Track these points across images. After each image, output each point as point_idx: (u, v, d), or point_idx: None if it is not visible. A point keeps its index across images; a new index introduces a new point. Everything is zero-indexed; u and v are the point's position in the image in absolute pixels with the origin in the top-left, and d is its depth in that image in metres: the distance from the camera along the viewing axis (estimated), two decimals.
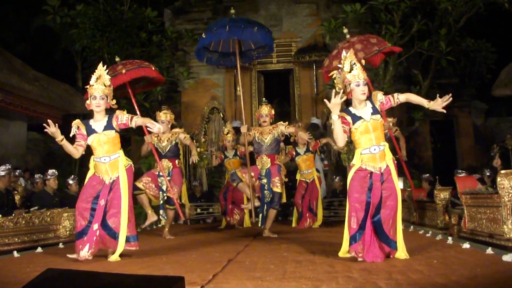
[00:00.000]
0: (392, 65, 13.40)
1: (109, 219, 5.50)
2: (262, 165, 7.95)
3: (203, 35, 7.94)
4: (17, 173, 10.69)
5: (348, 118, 5.16)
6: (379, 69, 12.97)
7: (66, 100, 14.46)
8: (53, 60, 18.62)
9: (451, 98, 4.96)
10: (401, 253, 5.00)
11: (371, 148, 5.16)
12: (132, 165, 5.90)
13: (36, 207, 8.21)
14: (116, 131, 5.74)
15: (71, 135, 5.71)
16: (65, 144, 5.54)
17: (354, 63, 5.21)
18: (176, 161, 8.47)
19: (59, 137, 5.51)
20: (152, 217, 8.29)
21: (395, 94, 5.30)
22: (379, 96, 5.28)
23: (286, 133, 8.04)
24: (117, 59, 8.18)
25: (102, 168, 5.67)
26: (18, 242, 7.20)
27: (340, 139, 5.15)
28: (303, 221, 9.73)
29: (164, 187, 8.31)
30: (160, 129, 5.74)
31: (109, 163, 5.67)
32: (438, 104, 5.01)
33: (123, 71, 7.61)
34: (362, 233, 4.92)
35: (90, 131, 5.69)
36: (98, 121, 5.72)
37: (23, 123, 14.36)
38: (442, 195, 8.25)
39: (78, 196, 5.74)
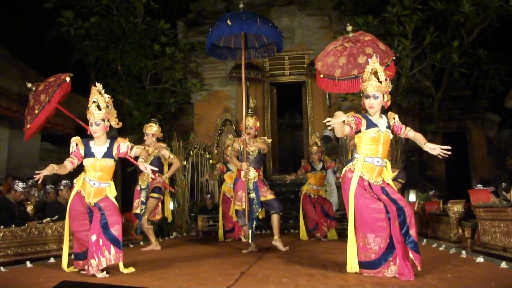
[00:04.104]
0: (405, 78, 13.39)
1: (112, 227, 5.36)
2: (249, 179, 7.74)
3: (210, 31, 7.80)
4: (29, 183, 10.76)
5: (363, 121, 5.05)
6: (392, 82, 12.94)
7: (80, 111, 14.52)
8: (67, 71, 18.67)
9: (449, 152, 5.02)
10: None
11: (374, 159, 5.06)
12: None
13: (48, 219, 8.24)
14: (114, 160, 5.66)
15: (70, 151, 5.61)
16: (57, 171, 5.39)
17: (375, 72, 5.12)
18: (156, 175, 8.26)
19: (52, 170, 5.33)
20: (156, 246, 8.29)
21: (407, 128, 5.28)
22: (396, 117, 5.27)
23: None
24: (29, 85, 7.53)
25: (87, 189, 5.57)
26: (31, 252, 7.25)
27: (339, 134, 4.99)
28: (320, 228, 9.59)
29: (145, 200, 8.33)
30: (149, 172, 5.70)
31: (96, 188, 5.57)
32: (433, 148, 5.08)
33: (47, 99, 7.05)
34: (393, 252, 4.71)
35: (89, 153, 5.57)
36: (99, 146, 5.60)
37: (37, 133, 14.45)
38: (456, 208, 8.20)
39: (70, 220, 5.63)
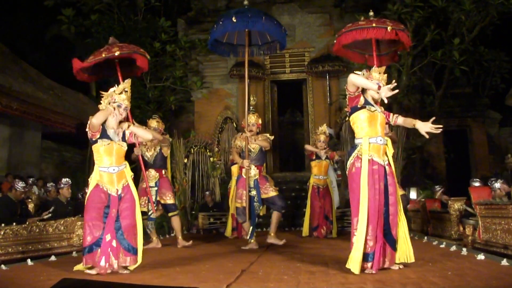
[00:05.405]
0: (406, 75, 13.37)
1: (124, 228, 5.34)
2: (250, 176, 7.75)
3: (214, 27, 7.80)
4: (30, 182, 10.76)
5: (362, 98, 5.14)
6: (392, 79, 12.94)
7: (80, 109, 14.57)
8: (68, 69, 18.67)
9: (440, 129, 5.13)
10: (404, 256, 5.04)
11: (377, 138, 5.10)
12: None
13: (48, 212, 8.23)
14: (127, 143, 5.64)
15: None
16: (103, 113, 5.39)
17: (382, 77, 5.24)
18: (163, 171, 8.35)
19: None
20: (156, 244, 8.27)
21: (395, 115, 5.41)
22: (382, 108, 5.35)
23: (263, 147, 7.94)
24: (110, 40, 7.47)
25: (108, 178, 5.46)
26: (32, 250, 7.25)
27: (357, 84, 5.10)
28: (319, 230, 9.61)
29: (152, 198, 8.20)
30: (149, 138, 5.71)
31: (117, 173, 5.49)
32: (424, 125, 5.16)
33: (117, 52, 6.87)
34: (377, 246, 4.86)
35: (105, 135, 5.45)
36: (113, 129, 5.52)
37: (37, 131, 14.48)
38: (456, 205, 8.20)
39: (85, 209, 5.45)
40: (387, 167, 5.09)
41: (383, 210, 4.92)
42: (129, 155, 6.38)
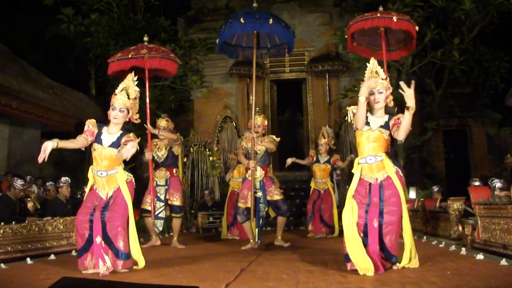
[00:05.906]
0: (405, 75, 13.37)
1: (110, 232, 5.23)
2: (255, 178, 7.74)
3: (223, 29, 7.79)
4: (28, 179, 10.74)
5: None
6: (392, 79, 12.94)
7: (80, 108, 14.58)
8: (67, 68, 18.75)
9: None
10: (408, 261, 5.02)
11: (366, 158, 5.13)
12: (133, 179, 5.61)
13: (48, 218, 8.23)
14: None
15: (84, 130, 5.43)
16: (63, 145, 5.10)
17: (376, 72, 5.20)
18: (174, 170, 8.35)
19: (53, 146, 5.02)
20: (155, 242, 8.26)
21: (394, 127, 5.13)
22: (400, 118, 5.11)
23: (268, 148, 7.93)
24: (145, 38, 7.97)
25: (99, 181, 5.44)
26: (31, 249, 7.24)
27: (360, 121, 5.07)
28: (316, 228, 9.61)
29: (162, 197, 8.22)
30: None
31: (106, 177, 5.41)
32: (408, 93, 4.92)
33: (146, 55, 7.35)
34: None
35: (98, 139, 5.42)
36: (110, 134, 5.47)
37: (37, 130, 14.47)
38: (455, 205, 8.19)
39: (77, 212, 5.43)
40: (384, 182, 5.08)
41: (378, 222, 4.92)
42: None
